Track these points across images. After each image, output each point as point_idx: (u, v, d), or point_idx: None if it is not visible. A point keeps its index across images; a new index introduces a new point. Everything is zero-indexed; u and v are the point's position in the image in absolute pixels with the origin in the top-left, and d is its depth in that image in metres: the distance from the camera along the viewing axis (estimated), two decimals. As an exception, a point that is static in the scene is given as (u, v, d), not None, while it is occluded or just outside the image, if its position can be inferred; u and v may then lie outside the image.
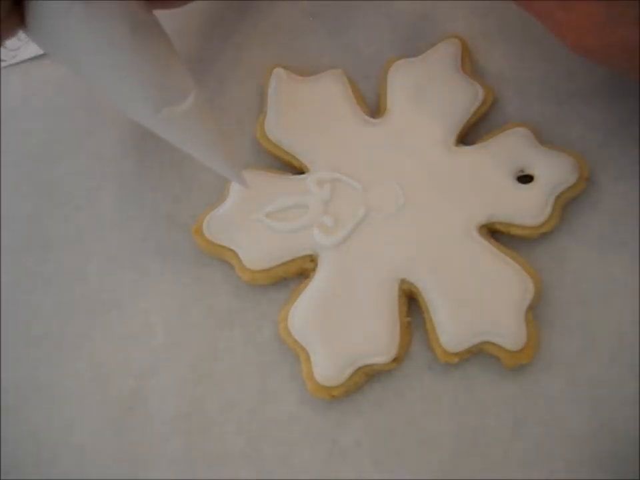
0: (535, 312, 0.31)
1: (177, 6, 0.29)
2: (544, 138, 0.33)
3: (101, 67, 0.25)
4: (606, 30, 0.25)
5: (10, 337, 0.33)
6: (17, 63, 0.37)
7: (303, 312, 0.31)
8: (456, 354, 0.30)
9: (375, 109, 0.35)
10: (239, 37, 0.37)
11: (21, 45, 0.37)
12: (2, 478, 0.31)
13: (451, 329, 0.31)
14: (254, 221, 0.32)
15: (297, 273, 0.32)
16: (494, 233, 0.33)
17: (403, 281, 0.31)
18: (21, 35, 0.27)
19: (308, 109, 0.33)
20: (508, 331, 0.30)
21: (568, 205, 0.32)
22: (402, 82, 0.34)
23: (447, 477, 0.30)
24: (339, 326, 0.31)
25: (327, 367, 0.30)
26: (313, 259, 0.32)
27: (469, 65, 0.34)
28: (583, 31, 0.26)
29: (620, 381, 0.31)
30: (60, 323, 0.33)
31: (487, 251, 0.31)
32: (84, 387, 0.32)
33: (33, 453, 0.32)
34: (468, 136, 0.34)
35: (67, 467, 0.31)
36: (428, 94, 0.34)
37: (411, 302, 0.32)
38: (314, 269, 0.32)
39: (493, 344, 0.30)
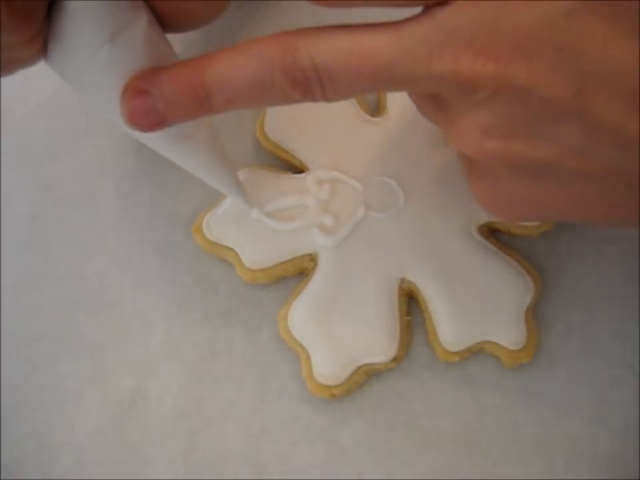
0: (535, 311, 0.31)
1: (187, 30, 0.29)
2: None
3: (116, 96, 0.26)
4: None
5: (10, 336, 0.33)
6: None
7: (303, 311, 0.31)
8: (456, 353, 0.31)
9: (374, 107, 0.35)
10: (241, 37, 0.37)
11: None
12: (2, 477, 0.31)
13: (451, 328, 0.31)
14: (254, 220, 0.32)
15: (297, 272, 0.32)
16: (494, 232, 0.33)
17: (402, 280, 0.31)
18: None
19: (307, 108, 0.33)
20: (508, 330, 0.30)
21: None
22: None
23: (447, 476, 0.30)
24: (339, 325, 0.31)
25: (327, 366, 0.30)
26: (312, 258, 0.32)
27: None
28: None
29: (620, 380, 0.31)
30: (60, 323, 0.33)
31: (487, 250, 0.31)
32: (83, 386, 0.32)
33: (33, 453, 0.32)
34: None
35: (67, 467, 0.31)
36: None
37: (411, 301, 0.32)
38: (314, 268, 0.32)
39: (493, 343, 0.30)
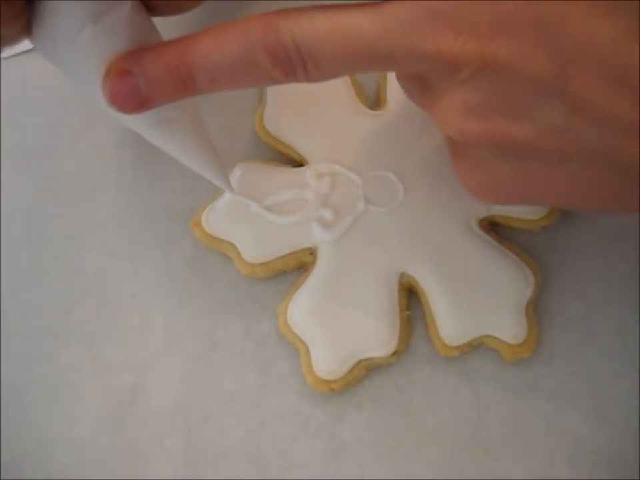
0: (536, 305, 0.31)
1: (176, 14, 0.29)
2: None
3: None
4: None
5: (8, 332, 0.33)
6: (15, 55, 0.37)
7: (303, 305, 0.31)
8: (456, 347, 0.31)
9: (374, 100, 0.35)
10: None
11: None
12: (2, 473, 0.31)
13: (451, 322, 0.31)
14: (253, 214, 0.32)
15: (297, 266, 0.32)
16: (494, 225, 0.32)
17: (402, 275, 0.31)
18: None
19: (307, 101, 0.33)
20: (508, 325, 0.30)
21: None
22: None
23: (447, 470, 0.30)
24: (339, 319, 0.31)
25: (327, 361, 0.30)
26: (312, 252, 0.32)
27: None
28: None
29: (620, 374, 0.31)
30: (58, 318, 0.33)
31: (488, 244, 0.31)
32: (83, 381, 0.32)
33: (33, 448, 0.32)
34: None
35: (66, 462, 0.31)
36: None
37: (411, 295, 0.32)
38: (313, 262, 0.32)
39: (493, 337, 0.30)
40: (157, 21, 0.27)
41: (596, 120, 0.22)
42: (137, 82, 0.24)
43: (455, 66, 0.22)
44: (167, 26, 0.28)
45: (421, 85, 0.25)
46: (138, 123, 0.27)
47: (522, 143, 0.23)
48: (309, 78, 0.24)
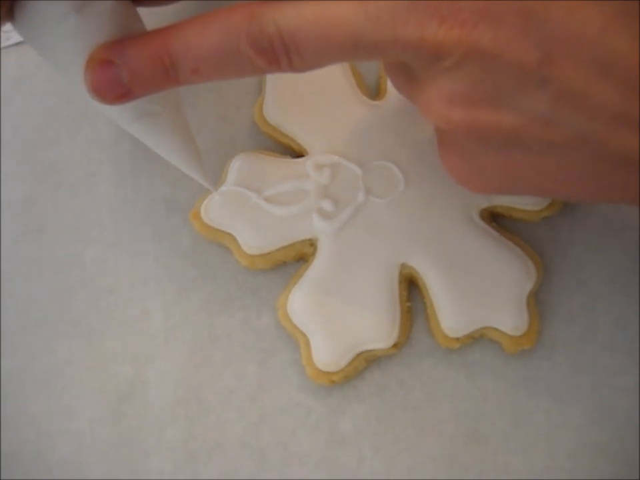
0: (537, 297, 0.31)
1: (161, 4, 0.29)
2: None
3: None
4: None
5: (7, 324, 0.33)
6: (11, 45, 0.37)
7: (303, 297, 0.31)
8: (457, 339, 0.30)
9: (374, 90, 0.34)
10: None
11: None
12: (1, 465, 0.31)
13: (452, 313, 0.30)
14: (252, 205, 0.32)
15: (297, 257, 0.32)
16: (496, 217, 0.32)
17: (403, 266, 0.31)
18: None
19: (307, 92, 0.33)
20: (509, 316, 0.30)
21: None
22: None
23: (447, 463, 0.30)
24: (339, 311, 0.31)
25: (327, 353, 0.30)
26: (312, 244, 0.32)
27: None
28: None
29: (621, 367, 0.31)
30: (57, 310, 0.33)
31: (489, 235, 0.31)
32: (82, 374, 0.32)
33: (32, 441, 0.32)
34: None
35: (65, 454, 0.31)
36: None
37: (412, 287, 0.32)
38: (313, 254, 0.32)
39: (495, 329, 0.30)
40: (142, 11, 0.27)
41: (581, 108, 0.22)
42: (119, 72, 0.24)
43: (439, 54, 0.22)
44: (151, 16, 0.28)
45: (406, 75, 0.25)
46: (119, 115, 0.27)
47: (507, 132, 0.23)
48: (293, 67, 0.23)
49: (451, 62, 0.22)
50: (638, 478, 0.30)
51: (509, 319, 0.30)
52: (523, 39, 0.21)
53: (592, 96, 0.21)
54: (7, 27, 0.36)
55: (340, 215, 0.31)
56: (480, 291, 0.31)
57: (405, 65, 0.24)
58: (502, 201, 0.32)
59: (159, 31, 0.24)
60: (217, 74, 0.24)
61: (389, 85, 0.33)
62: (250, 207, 0.32)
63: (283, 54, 0.23)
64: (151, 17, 0.28)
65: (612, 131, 0.22)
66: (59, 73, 0.27)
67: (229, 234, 0.32)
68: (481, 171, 0.26)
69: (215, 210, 0.32)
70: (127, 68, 0.24)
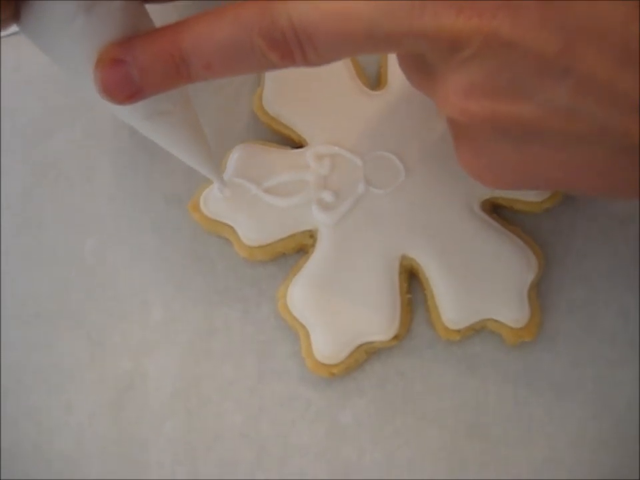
0: (538, 288, 0.31)
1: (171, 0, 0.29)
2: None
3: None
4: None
5: (6, 317, 0.33)
6: (9, 35, 0.36)
7: (302, 289, 0.31)
8: (458, 331, 0.30)
9: (375, 81, 0.34)
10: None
11: (12, 17, 0.36)
12: (1, 459, 0.31)
13: (453, 305, 0.30)
14: (252, 196, 0.32)
15: (296, 249, 0.32)
16: (497, 208, 0.32)
17: (403, 257, 0.31)
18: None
19: (306, 81, 0.33)
20: (510, 308, 0.30)
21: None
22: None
23: (448, 455, 0.30)
24: (339, 303, 0.31)
25: (327, 345, 0.30)
26: (312, 235, 0.32)
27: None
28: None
29: (622, 360, 0.31)
30: (56, 303, 0.33)
31: (490, 227, 0.31)
32: (81, 366, 0.32)
33: (31, 434, 0.32)
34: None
35: (65, 448, 0.31)
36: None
37: (412, 279, 0.32)
38: (313, 245, 0.31)
39: (496, 321, 0.30)
40: (150, 8, 0.27)
41: (603, 98, 0.21)
42: (129, 70, 0.24)
43: (457, 44, 0.21)
44: (161, 14, 0.28)
45: (421, 67, 0.25)
46: (130, 114, 0.26)
47: (525, 124, 0.22)
48: (308, 61, 0.23)
49: (469, 53, 0.21)
50: (638, 470, 0.29)
51: (510, 311, 0.30)
52: (543, 28, 0.21)
53: (614, 86, 0.21)
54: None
55: (340, 206, 0.31)
56: (481, 282, 0.30)
57: (420, 57, 0.24)
58: (503, 193, 0.31)
59: (169, 27, 0.24)
60: (229, 69, 0.24)
61: (390, 75, 0.33)
62: (249, 198, 0.32)
63: (297, 47, 0.22)
64: (159, 14, 0.28)
65: (635, 121, 0.21)
66: (67, 73, 0.26)
67: (228, 225, 0.32)
68: (496, 165, 0.25)
69: (214, 201, 0.32)
70: (137, 66, 0.23)
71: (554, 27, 0.21)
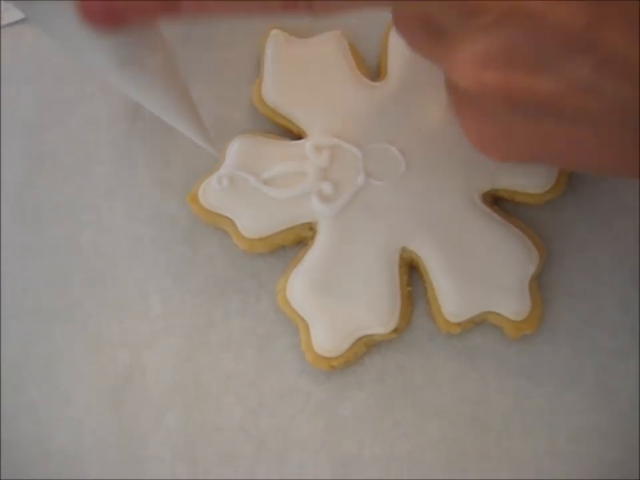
0: (539, 281, 0.31)
1: None
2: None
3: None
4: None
5: (3, 309, 0.33)
6: (6, 25, 0.36)
7: (302, 281, 0.31)
8: (458, 324, 0.30)
9: (375, 72, 0.34)
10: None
11: (8, 7, 0.36)
12: (0, 451, 0.31)
13: (453, 298, 0.30)
14: (251, 188, 0.31)
15: (296, 241, 0.32)
16: (498, 200, 0.32)
17: (404, 250, 0.31)
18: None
19: (306, 72, 0.33)
20: (511, 301, 0.30)
21: (573, 171, 0.31)
22: (403, 44, 0.33)
23: (448, 448, 0.30)
24: (339, 295, 0.30)
25: (327, 338, 0.30)
26: (311, 227, 0.31)
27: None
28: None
29: (623, 352, 0.31)
30: (54, 295, 0.33)
31: (491, 219, 0.31)
32: (79, 360, 0.32)
33: (30, 428, 0.31)
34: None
35: (64, 441, 0.31)
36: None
37: (412, 271, 0.31)
38: (313, 237, 0.31)
39: (496, 314, 0.30)
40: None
41: (625, 77, 0.20)
42: None
43: (477, 8, 0.20)
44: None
45: (429, 30, 0.23)
46: (105, 60, 0.25)
47: (543, 99, 0.22)
48: (312, 8, 0.21)
49: (489, 19, 0.20)
50: (639, 461, 0.29)
51: (511, 304, 0.30)
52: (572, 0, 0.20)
53: (638, 64, 0.20)
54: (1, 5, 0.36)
55: (339, 197, 0.31)
56: (481, 275, 0.30)
57: (429, 19, 0.23)
58: (505, 184, 0.31)
59: None
60: (224, 7, 0.22)
61: (390, 66, 0.33)
62: (248, 190, 0.31)
63: None
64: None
65: None
66: (63, 43, 0.26)
67: (227, 217, 0.32)
68: (505, 138, 0.24)
69: (213, 193, 0.32)
70: None
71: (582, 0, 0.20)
